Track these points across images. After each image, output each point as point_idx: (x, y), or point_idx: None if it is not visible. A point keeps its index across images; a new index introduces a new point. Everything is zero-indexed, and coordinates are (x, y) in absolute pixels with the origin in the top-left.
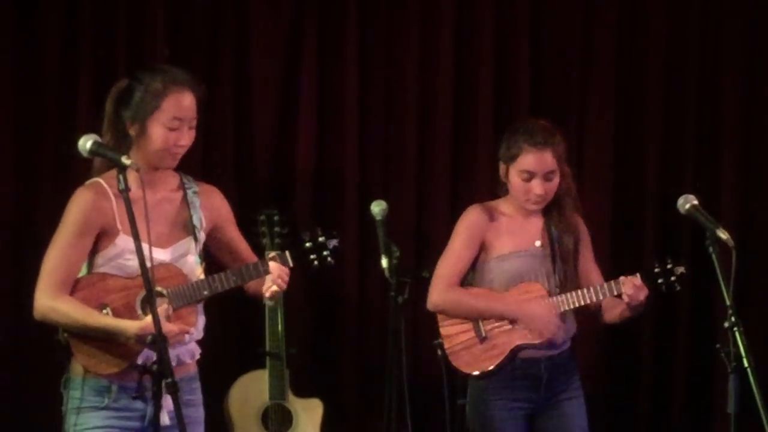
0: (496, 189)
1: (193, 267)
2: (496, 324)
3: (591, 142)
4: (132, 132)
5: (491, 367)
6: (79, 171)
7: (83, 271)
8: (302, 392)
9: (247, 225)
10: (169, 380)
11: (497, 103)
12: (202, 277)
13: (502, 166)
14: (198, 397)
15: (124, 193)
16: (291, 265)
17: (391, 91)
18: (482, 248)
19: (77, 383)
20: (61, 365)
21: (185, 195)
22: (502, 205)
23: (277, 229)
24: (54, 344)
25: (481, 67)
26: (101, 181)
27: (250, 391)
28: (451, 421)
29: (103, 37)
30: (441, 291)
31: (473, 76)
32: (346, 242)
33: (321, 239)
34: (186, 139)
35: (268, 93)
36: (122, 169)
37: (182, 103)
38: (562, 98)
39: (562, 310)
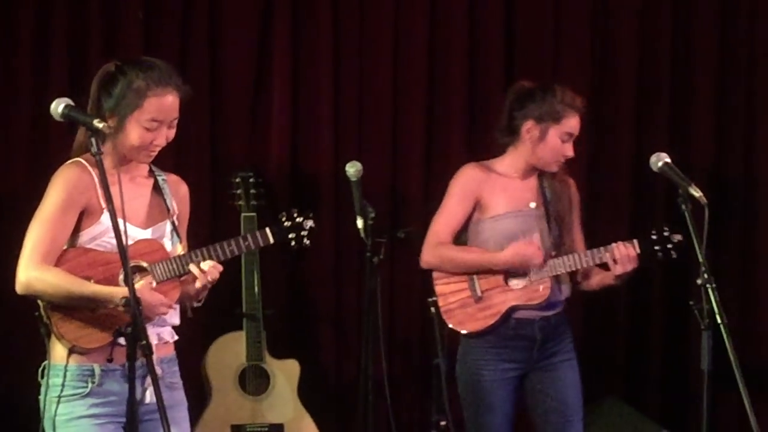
0: (470, 148)
1: (173, 249)
2: (493, 284)
3: None
4: (110, 123)
5: (485, 327)
6: (51, 143)
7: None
8: (279, 353)
9: (222, 188)
10: (144, 342)
11: (471, 65)
12: None
13: (533, 125)
14: (179, 380)
15: (97, 156)
16: (272, 241)
17: (366, 52)
18: (476, 207)
19: (58, 370)
20: (41, 350)
21: (156, 182)
22: (498, 165)
23: (252, 191)
24: (37, 322)
25: (456, 29)
26: (83, 160)
27: (228, 353)
28: (429, 379)
29: (77, 2)
30: (433, 248)
31: (448, 38)
32: (321, 204)
33: (298, 219)
34: (163, 138)
35: (243, 55)
36: (94, 132)
37: (164, 105)
38: (536, 57)
39: (557, 272)
